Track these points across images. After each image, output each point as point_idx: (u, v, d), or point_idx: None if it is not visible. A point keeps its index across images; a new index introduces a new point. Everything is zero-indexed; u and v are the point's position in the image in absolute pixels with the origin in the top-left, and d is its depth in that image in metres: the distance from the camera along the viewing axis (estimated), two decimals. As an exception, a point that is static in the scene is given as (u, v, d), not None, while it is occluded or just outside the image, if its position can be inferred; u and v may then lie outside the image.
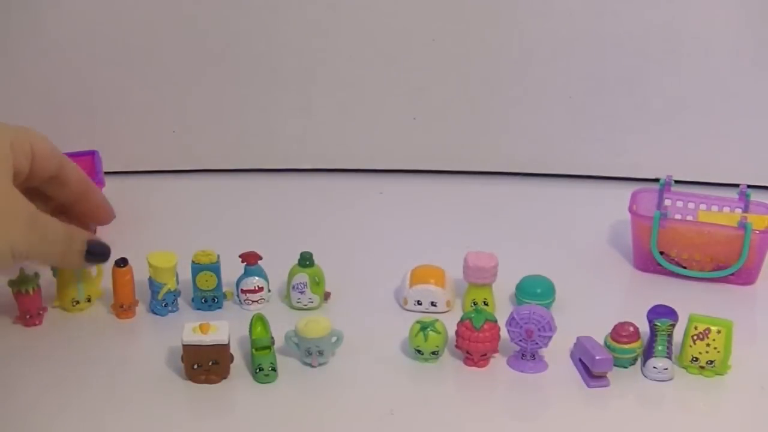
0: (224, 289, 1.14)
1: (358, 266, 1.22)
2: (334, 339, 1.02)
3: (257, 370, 0.99)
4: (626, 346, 1.03)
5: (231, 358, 0.99)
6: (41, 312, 1.10)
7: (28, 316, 1.09)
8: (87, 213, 1.07)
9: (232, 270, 1.13)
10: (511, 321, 1.02)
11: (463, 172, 1.51)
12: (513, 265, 1.14)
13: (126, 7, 1.39)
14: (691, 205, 1.27)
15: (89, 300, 1.13)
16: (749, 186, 1.26)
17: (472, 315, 1.02)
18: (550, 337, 1.01)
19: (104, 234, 1.30)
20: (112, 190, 1.32)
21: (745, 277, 1.21)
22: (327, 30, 1.41)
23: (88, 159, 1.36)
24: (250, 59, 1.43)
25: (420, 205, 1.43)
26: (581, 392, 1.00)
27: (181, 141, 1.49)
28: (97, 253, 0.73)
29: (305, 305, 1.13)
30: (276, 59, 1.43)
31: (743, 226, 1.17)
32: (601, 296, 1.19)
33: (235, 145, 1.50)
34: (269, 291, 1.14)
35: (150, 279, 1.11)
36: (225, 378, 1.00)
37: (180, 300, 1.13)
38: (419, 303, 1.13)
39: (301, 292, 1.12)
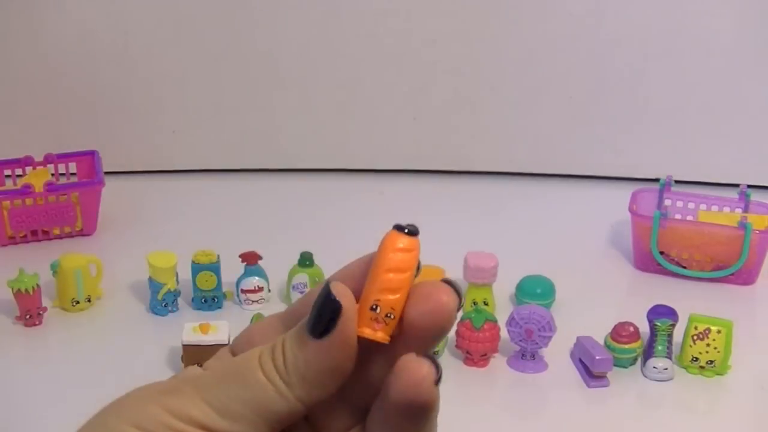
0: (224, 289, 1.14)
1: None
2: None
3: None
4: (626, 346, 1.03)
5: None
6: (41, 312, 1.10)
7: (28, 316, 1.09)
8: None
9: (232, 270, 1.13)
10: (511, 321, 1.02)
11: (463, 172, 1.51)
12: (513, 265, 1.14)
13: (126, 7, 1.39)
14: (691, 205, 1.27)
15: (89, 300, 1.13)
16: (749, 186, 1.26)
17: (472, 315, 1.02)
18: (550, 337, 1.01)
19: (103, 234, 1.31)
20: (112, 190, 1.32)
21: (745, 277, 1.20)
22: (327, 30, 1.41)
23: (88, 159, 1.36)
24: (250, 59, 1.43)
25: (420, 205, 1.43)
26: (581, 392, 1.00)
27: (181, 141, 1.49)
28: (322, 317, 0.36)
29: (305, 305, 1.13)
30: (276, 59, 1.43)
31: (743, 226, 1.17)
32: (601, 296, 1.19)
33: (235, 145, 1.50)
34: (269, 291, 1.14)
35: (150, 279, 1.11)
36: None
37: (180, 300, 1.13)
38: (419, 303, 1.13)
39: (301, 292, 1.12)
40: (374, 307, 0.36)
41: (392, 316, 0.36)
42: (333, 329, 0.35)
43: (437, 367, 0.35)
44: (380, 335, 0.36)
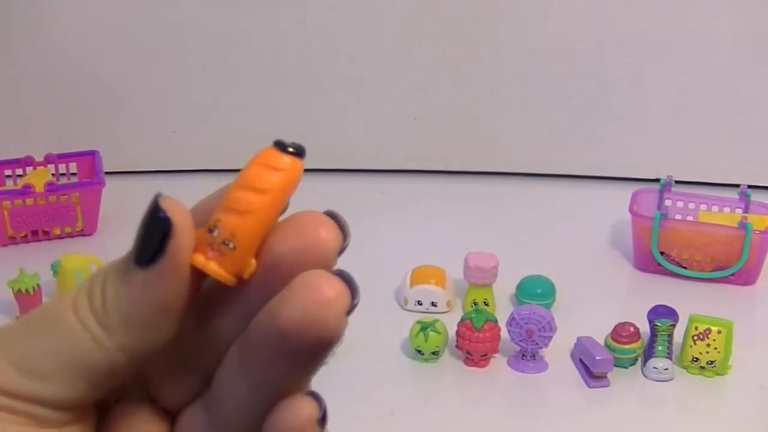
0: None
1: (358, 266, 1.22)
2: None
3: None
4: (626, 347, 1.02)
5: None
6: (41, 312, 1.10)
7: (28, 316, 1.09)
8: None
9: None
10: (511, 321, 1.02)
11: (463, 172, 1.51)
12: (513, 265, 1.14)
13: (126, 8, 1.39)
14: (691, 206, 1.27)
15: (89, 300, 1.13)
16: (749, 186, 1.26)
17: (473, 315, 1.02)
18: (550, 338, 1.01)
19: (104, 234, 1.31)
20: (112, 190, 1.32)
21: (745, 277, 1.20)
22: (327, 30, 1.41)
23: (88, 159, 1.36)
24: (250, 59, 1.43)
25: (420, 205, 1.43)
26: (581, 392, 1.00)
27: (181, 141, 1.49)
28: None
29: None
30: (276, 59, 1.43)
31: (744, 226, 1.17)
32: (602, 296, 1.19)
33: (235, 145, 1.49)
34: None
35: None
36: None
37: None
38: (420, 303, 1.13)
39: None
40: (212, 228, 0.28)
41: (231, 245, 0.28)
42: (162, 255, 0.27)
43: (320, 403, 0.28)
44: (212, 267, 0.28)
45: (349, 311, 0.27)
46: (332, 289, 0.27)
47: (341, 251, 0.29)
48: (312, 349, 0.27)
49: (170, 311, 0.28)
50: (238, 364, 0.28)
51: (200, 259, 0.28)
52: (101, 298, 0.28)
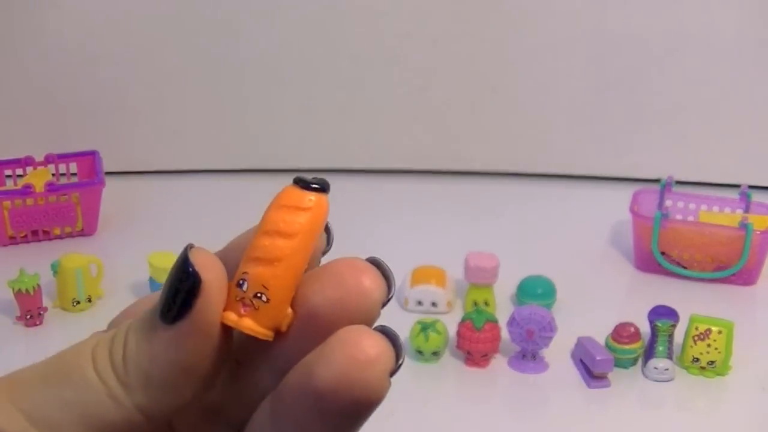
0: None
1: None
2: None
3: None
4: (627, 347, 1.02)
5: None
6: (42, 312, 1.10)
7: (28, 316, 1.09)
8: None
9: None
10: (512, 321, 1.02)
11: (463, 172, 1.51)
12: (514, 266, 1.14)
13: (126, 8, 1.39)
14: (692, 206, 1.27)
15: (90, 300, 1.13)
16: (750, 186, 1.26)
17: (473, 315, 1.02)
18: (550, 338, 1.01)
19: (104, 234, 1.31)
20: (112, 190, 1.32)
21: (746, 277, 1.20)
22: (327, 30, 1.41)
23: (89, 159, 1.36)
24: (250, 59, 1.43)
25: (420, 205, 1.43)
26: (582, 392, 1.00)
27: (181, 141, 1.49)
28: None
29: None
30: (276, 59, 1.43)
31: (744, 226, 1.17)
32: (602, 296, 1.19)
33: (235, 145, 1.50)
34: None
35: (150, 279, 1.11)
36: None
37: (180, 300, 1.13)
38: (420, 303, 1.13)
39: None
40: (240, 282, 0.26)
41: (265, 298, 0.26)
42: (189, 312, 0.25)
43: None
44: (247, 323, 0.26)
45: (393, 372, 0.25)
46: (374, 347, 0.25)
47: (385, 303, 0.26)
48: (350, 411, 0.25)
49: (195, 372, 0.26)
50: (270, 420, 0.26)
51: (232, 317, 0.26)
52: (122, 353, 0.26)
